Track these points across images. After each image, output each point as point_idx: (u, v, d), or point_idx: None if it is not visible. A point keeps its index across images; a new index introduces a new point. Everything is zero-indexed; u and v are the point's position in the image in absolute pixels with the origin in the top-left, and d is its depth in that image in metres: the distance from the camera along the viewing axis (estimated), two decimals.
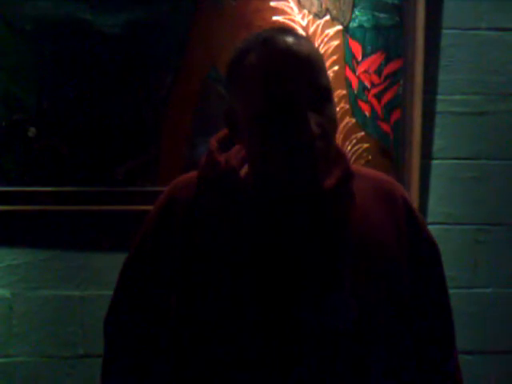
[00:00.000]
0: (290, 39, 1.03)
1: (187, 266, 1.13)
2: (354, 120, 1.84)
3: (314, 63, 1.03)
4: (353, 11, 1.82)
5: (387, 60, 1.83)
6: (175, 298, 1.14)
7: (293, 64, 1.02)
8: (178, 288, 1.13)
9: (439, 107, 1.88)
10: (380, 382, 1.11)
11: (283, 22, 1.79)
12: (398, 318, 1.13)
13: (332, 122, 1.06)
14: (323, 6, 1.81)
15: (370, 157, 1.84)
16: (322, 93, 1.04)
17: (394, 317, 1.12)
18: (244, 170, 1.14)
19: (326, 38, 1.82)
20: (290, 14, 1.80)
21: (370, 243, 1.11)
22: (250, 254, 1.09)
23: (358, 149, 1.84)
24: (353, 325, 1.07)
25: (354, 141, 1.84)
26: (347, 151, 1.83)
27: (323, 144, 1.02)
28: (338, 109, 1.82)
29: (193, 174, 1.19)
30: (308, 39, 1.10)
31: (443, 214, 1.90)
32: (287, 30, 1.09)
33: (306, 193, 1.07)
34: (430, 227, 1.84)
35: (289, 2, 1.80)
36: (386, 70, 1.83)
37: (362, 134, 1.84)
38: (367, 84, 1.83)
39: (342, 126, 1.83)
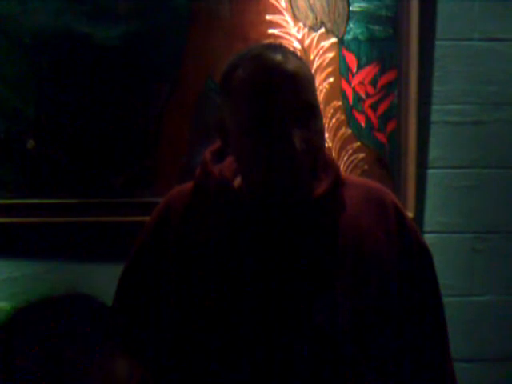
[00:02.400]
0: (278, 56, 1.06)
1: (182, 274, 1.14)
2: (349, 130, 1.85)
3: (300, 80, 1.05)
4: (347, 24, 1.83)
5: (382, 71, 1.85)
6: (172, 305, 1.15)
7: (279, 80, 1.04)
8: (174, 295, 1.14)
9: (434, 117, 1.89)
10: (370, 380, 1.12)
11: (278, 35, 1.81)
12: (390, 322, 1.14)
13: (318, 137, 1.08)
14: (318, 18, 1.83)
15: (366, 167, 1.85)
16: (308, 108, 1.06)
17: (385, 321, 1.13)
18: (237, 181, 1.16)
19: (321, 50, 1.84)
20: (285, 27, 1.82)
21: (360, 249, 1.13)
22: (242, 261, 1.10)
23: (354, 159, 1.85)
24: (344, 328, 1.08)
25: (350, 151, 1.85)
26: (343, 161, 1.84)
27: (308, 159, 1.05)
28: (333, 120, 1.84)
29: (188, 184, 1.22)
30: (298, 56, 1.12)
31: (439, 223, 1.91)
32: (277, 47, 1.11)
33: (291, 204, 1.09)
34: (426, 236, 1.87)
35: (284, 16, 1.82)
36: (381, 81, 1.85)
37: (358, 144, 1.85)
38: (362, 95, 1.85)
39: (337, 136, 1.85)
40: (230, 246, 1.12)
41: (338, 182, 1.15)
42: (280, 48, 1.10)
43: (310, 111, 1.06)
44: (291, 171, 1.04)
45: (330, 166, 1.17)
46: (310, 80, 1.09)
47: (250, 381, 1.09)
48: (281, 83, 1.04)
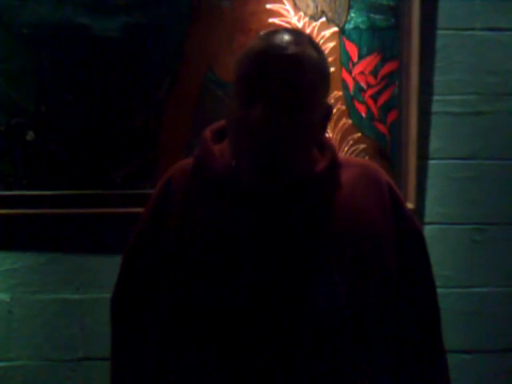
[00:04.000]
0: (290, 36, 1.06)
1: (182, 251, 1.15)
2: (350, 121, 1.84)
3: (298, 63, 1.05)
4: (348, 13, 1.82)
5: (383, 61, 1.84)
6: (172, 282, 1.16)
7: (274, 62, 1.04)
8: (174, 269, 1.15)
9: (435, 108, 1.89)
10: (367, 365, 1.14)
11: (279, 25, 1.80)
12: (386, 300, 1.16)
13: (310, 120, 1.08)
14: (319, 8, 1.82)
15: (366, 157, 1.84)
16: (301, 92, 1.06)
17: (381, 299, 1.15)
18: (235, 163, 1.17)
19: (321, 39, 1.83)
20: (285, 16, 1.81)
21: (356, 227, 1.14)
22: (238, 240, 1.11)
23: (354, 150, 1.85)
24: (340, 307, 1.09)
25: (351, 142, 1.85)
26: (344, 152, 1.84)
27: (293, 143, 1.06)
28: (334, 110, 1.83)
29: (189, 160, 1.23)
30: (319, 48, 1.11)
31: (440, 214, 1.91)
32: (297, 32, 1.11)
33: (286, 181, 1.09)
34: (426, 227, 1.89)
35: (285, 5, 1.81)
36: (382, 71, 1.84)
37: (359, 134, 1.85)
38: (363, 85, 1.84)
39: (338, 127, 1.84)
40: (226, 223, 1.13)
41: (335, 163, 1.17)
42: (293, 31, 1.11)
43: (304, 96, 1.06)
44: (281, 148, 1.05)
45: (327, 147, 1.19)
46: (313, 66, 1.07)
47: (247, 362, 1.09)
48: (278, 64, 1.04)
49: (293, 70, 1.05)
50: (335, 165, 1.16)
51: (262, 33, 1.12)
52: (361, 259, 1.13)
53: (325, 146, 1.18)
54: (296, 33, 1.10)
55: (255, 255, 1.10)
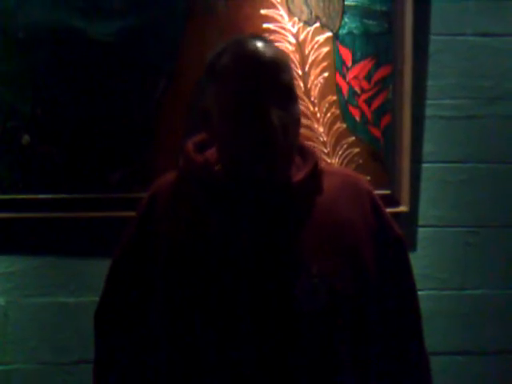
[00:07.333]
0: (259, 42, 1.12)
1: (168, 256, 1.17)
2: (344, 125, 1.86)
3: (279, 64, 1.12)
4: (342, 18, 1.84)
5: (377, 66, 1.85)
6: (161, 294, 1.18)
7: (260, 63, 1.10)
8: (161, 278, 1.17)
9: (428, 112, 1.90)
10: (347, 363, 1.15)
11: (273, 30, 1.81)
12: (365, 303, 1.18)
13: (295, 120, 1.13)
14: (313, 13, 1.83)
15: (360, 161, 1.86)
16: (286, 91, 1.12)
17: (360, 302, 1.17)
18: (218, 168, 1.20)
19: (316, 44, 1.84)
20: (280, 22, 1.82)
21: (337, 231, 1.17)
22: (221, 244, 1.14)
23: (349, 153, 1.86)
24: (323, 308, 1.12)
25: (345, 145, 1.86)
26: (338, 155, 1.85)
27: (285, 138, 1.09)
28: (328, 114, 1.85)
29: (170, 174, 1.26)
30: (277, 47, 1.18)
31: (433, 217, 1.92)
32: (258, 36, 1.18)
33: (269, 186, 1.13)
34: (420, 230, 1.90)
35: (279, 10, 1.82)
36: (376, 76, 1.85)
37: (353, 138, 1.86)
38: (357, 90, 1.85)
39: (332, 130, 1.85)
40: (210, 227, 1.15)
41: (317, 171, 1.20)
42: (260, 37, 1.17)
43: (287, 93, 1.12)
44: (269, 150, 1.08)
45: (308, 155, 1.22)
46: (288, 67, 1.15)
47: (232, 361, 1.11)
48: (262, 65, 1.10)
49: (275, 64, 1.11)
50: (317, 171, 1.20)
51: (219, 48, 1.16)
52: (340, 261, 1.15)
53: (307, 153, 1.22)
54: (260, 37, 1.16)
55: (239, 256, 1.12)
